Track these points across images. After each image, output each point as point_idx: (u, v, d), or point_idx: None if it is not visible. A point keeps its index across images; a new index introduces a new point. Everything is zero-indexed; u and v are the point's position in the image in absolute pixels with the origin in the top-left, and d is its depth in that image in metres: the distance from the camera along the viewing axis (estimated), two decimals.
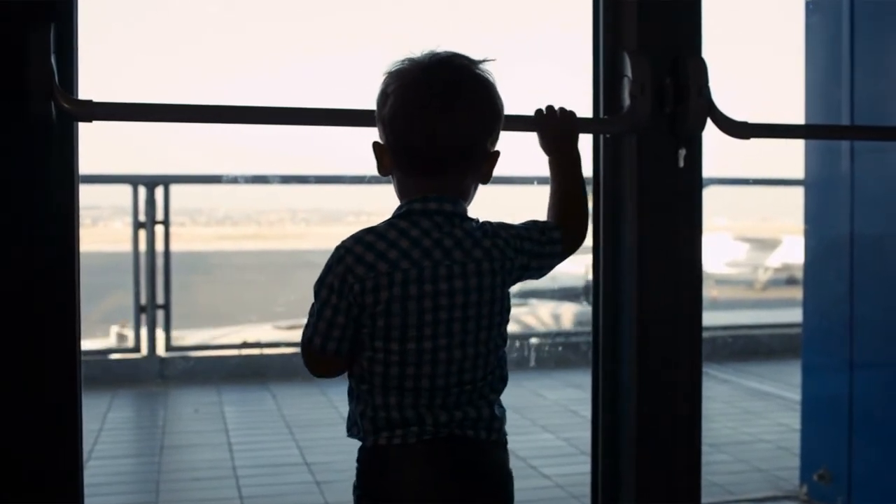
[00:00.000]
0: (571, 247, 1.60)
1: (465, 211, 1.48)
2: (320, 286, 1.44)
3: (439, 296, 1.42)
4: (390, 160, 1.48)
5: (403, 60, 1.48)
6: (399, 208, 1.47)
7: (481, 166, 1.50)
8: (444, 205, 1.45)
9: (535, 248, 1.53)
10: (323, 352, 1.44)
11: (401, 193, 1.49)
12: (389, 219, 1.47)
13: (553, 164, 1.65)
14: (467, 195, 1.50)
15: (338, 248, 1.44)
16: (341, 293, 1.42)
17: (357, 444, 1.50)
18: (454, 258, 1.43)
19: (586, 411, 2.11)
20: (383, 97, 1.47)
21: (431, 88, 1.44)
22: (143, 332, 5.61)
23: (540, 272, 1.56)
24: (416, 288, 1.41)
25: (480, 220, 1.49)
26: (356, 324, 1.43)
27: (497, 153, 1.51)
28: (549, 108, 1.68)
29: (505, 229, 1.50)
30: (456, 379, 1.44)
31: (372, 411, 1.44)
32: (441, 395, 1.44)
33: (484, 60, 1.49)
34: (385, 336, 1.42)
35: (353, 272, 1.41)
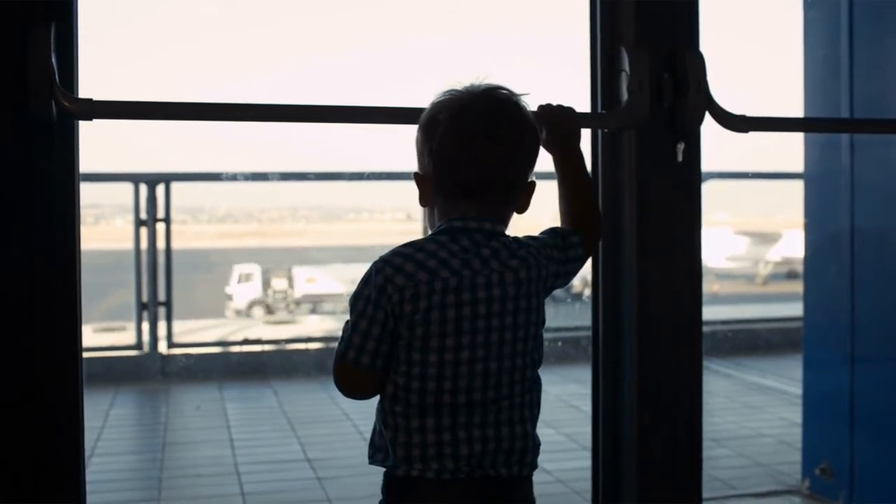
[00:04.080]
0: (591, 249, 1.62)
1: (502, 231, 1.50)
2: (356, 299, 1.43)
3: (478, 304, 1.42)
4: (432, 189, 1.49)
5: (449, 91, 1.50)
6: (439, 226, 1.48)
7: (520, 196, 1.52)
8: (483, 224, 1.46)
9: (561, 255, 1.54)
10: (356, 365, 1.43)
11: (440, 219, 1.49)
12: (429, 235, 1.48)
13: (558, 162, 1.65)
14: (506, 222, 1.52)
15: (375, 262, 1.44)
16: (378, 304, 1.41)
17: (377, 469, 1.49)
18: (492, 267, 1.44)
19: (587, 406, 2.12)
20: (433, 125, 1.48)
21: (482, 119, 1.46)
22: (145, 329, 5.62)
23: (566, 278, 1.57)
24: (455, 296, 1.41)
25: (512, 235, 1.51)
26: (392, 337, 1.42)
27: (534, 183, 1.53)
28: (550, 104, 1.68)
29: (533, 240, 1.53)
30: (493, 394, 1.44)
31: (406, 436, 1.42)
32: (479, 411, 1.43)
33: (522, 94, 1.52)
34: (423, 346, 1.41)
35: (392, 282, 1.40)
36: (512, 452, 1.45)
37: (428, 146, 1.48)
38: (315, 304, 11.65)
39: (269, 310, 11.52)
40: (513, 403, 1.46)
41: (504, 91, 1.51)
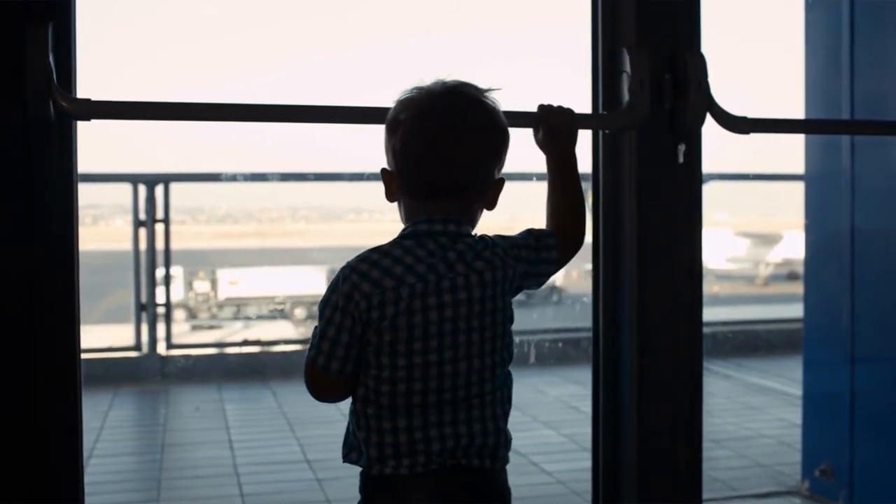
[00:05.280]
0: (568, 253, 1.60)
1: (468, 232, 1.49)
2: (324, 306, 1.44)
3: (444, 308, 1.42)
4: (398, 186, 1.49)
5: (413, 89, 1.50)
6: (404, 229, 1.48)
7: (487, 193, 1.51)
8: (448, 226, 1.46)
9: (532, 255, 1.54)
10: (326, 372, 1.44)
11: (407, 218, 1.50)
12: (394, 239, 1.48)
13: (550, 164, 1.65)
14: (473, 220, 1.52)
15: (342, 268, 1.44)
16: (345, 311, 1.42)
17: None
18: (457, 270, 1.44)
19: (587, 407, 2.11)
20: (395, 124, 1.48)
21: (443, 117, 1.46)
22: (144, 329, 5.62)
23: (538, 280, 1.57)
24: (421, 301, 1.41)
25: (478, 234, 1.50)
26: (360, 342, 1.43)
27: (502, 180, 1.52)
28: (550, 105, 1.68)
29: (503, 240, 1.52)
30: (464, 393, 1.44)
31: (378, 436, 1.44)
32: (450, 410, 1.44)
33: (490, 89, 1.51)
34: (391, 351, 1.42)
35: (358, 289, 1.41)
36: (484, 447, 1.46)
37: (391, 145, 1.48)
38: (238, 307, 11.54)
39: (192, 313, 11.42)
40: (483, 401, 1.46)
41: (469, 88, 1.50)
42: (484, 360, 1.46)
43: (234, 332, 8.57)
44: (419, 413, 1.43)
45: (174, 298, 11.55)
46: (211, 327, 9.61)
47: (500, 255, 1.48)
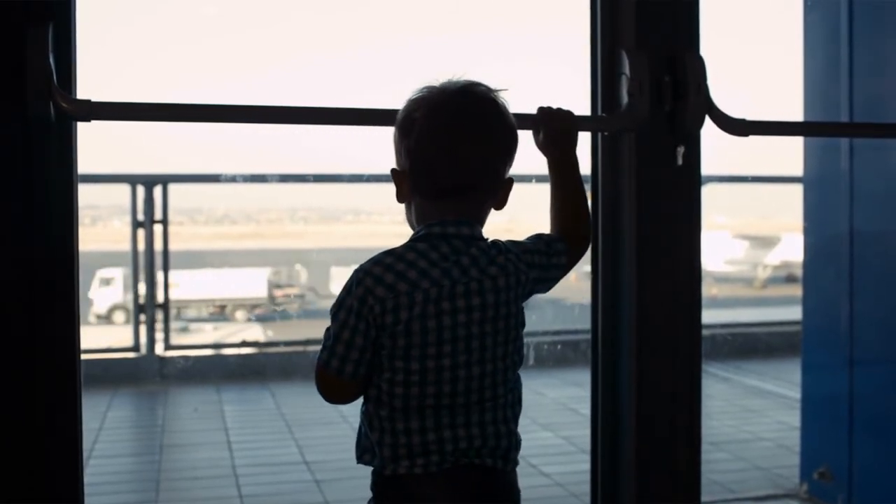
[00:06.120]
0: (575, 257, 1.61)
1: (480, 234, 1.49)
2: (338, 309, 1.44)
3: (458, 313, 1.42)
4: (409, 187, 1.49)
5: (424, 88, 1.50)
6: (417, 231, 1.48)
7: (498, 192, 1.52)
8: (461, 229, 1.46)
9: (543, 260, 1.54)
10: (340, 375, 1.44)
11: (418, 219, 1.49)
12: (407, 242, 1.48)
13: (552, 166, 1.65)
14: (483, 220, 1.52)
15: (356, 270, 1.44)
16: (360, 314, 1.41)
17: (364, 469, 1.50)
18: (471, 276, 1.44)
19: (586, 409, 2.12)
20: (408, 123, 1.48)
21: (457, 115, 1.46)
22: (143, 330, 5.61)
23: (547, 285, 1.57)
24: (435, 307, 1.41)
25: (491, 239, 1.51)
26: (374, 346, 1.43)
27: (511, 180, 1.53)
28: (549, 107, 1.68)
29: (515, 245, 1.52)
30: (476, 396, 1.45)
31: (392, 438, 1.44)
32: (463, 412, 1.44)
33: (499, 90, 1.52)
34: (405, 355, 1.42)
35: (372, 293, 1.41)
36: (497, 449, 1.47)
37: (404, 144, 1.48)
38: (178, 309, 11.42)
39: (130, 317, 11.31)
40: (496, 404, 1.47)
41: (481, 87, 1.50)
42: (496, 364, 1.46)
43: (180, 336, 8.45)
44: (432, 415, 1.43)
45: (113, 300, 11.43)
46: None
47: (513, 260, 1.48)
